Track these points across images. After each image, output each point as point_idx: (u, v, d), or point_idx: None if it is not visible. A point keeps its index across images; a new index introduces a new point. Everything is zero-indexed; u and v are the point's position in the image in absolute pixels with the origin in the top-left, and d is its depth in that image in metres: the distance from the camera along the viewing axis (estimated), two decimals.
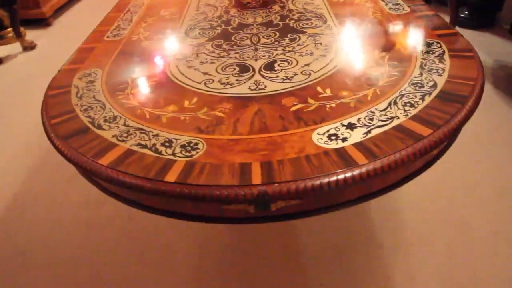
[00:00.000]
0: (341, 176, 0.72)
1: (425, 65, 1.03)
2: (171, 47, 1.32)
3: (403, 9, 1.37)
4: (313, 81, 1.02)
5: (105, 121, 0.95)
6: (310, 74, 1.05)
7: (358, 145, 0.78)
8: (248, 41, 1.26)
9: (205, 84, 1.06)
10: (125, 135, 0.89)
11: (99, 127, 0.93)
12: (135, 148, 0.85)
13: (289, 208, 0.78)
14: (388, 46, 1.15)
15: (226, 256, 1.49)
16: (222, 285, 1.39)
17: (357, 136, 0.81)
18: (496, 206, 1.56)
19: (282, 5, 1.52)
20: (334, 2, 1.51)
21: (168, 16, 1.55)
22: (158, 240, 1.57)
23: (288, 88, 1.00)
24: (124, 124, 0.93)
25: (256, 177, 0.74)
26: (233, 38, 1.30)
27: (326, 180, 0.72)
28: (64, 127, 0.94)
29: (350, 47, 1.18)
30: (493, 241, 1.43)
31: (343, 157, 0.76)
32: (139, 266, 1.47)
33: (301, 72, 1.06)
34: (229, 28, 1.38)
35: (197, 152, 0.81)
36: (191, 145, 0.84)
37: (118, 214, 1.69)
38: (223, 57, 1.18)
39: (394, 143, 0.78)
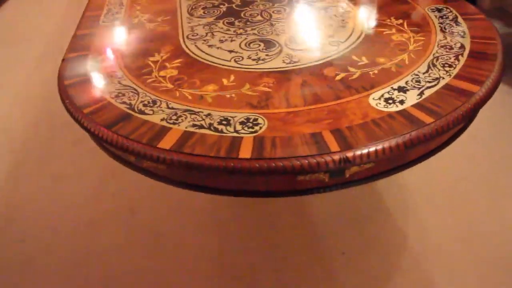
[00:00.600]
0: (413, 136, 0.75)
1: (445, 28, 1.08)
2: (180, 27, 1.26)
3: None
4: (345, 51, 1.03)
5: (145, 105, 0.90)
6: (338, 45, 1.06)
7: (418, 106, 0.81)
8: (259, 17, 1.24)
9: (235, 61, 1.04)
10: (174, 117, 0.85)
11: (141, 112, 0.88)
12: (192, 129, 0.81)
13: (361, 173, 0.80)
14: (402, 14, 1.19)
15: (244, 232, 1.50)
16: (244, 259, 1.39)
17: (412, 98, 0.84)
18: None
19: None
20: None
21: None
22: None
23: (323, 59, 1.01)
24: (168, 107, 0.88)
25: (333, 145, 0.74)
26: (242, 15, 1.28)
27: (401, 140, 0.74)
28: (101, 116, 0.88)
29: (366, 17, 1.20)
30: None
31: (409, 118, 0.78)
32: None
33: (329, 43, 1.07)
34: (233, 5, 1.35)
35: (260, 127, 0.80)
36: (251, 121, 0.82)
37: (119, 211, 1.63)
38: (241, 34, 1.16)
39: (450, 101, 0.82)
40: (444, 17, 1.13)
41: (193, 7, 1.37)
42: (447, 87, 0.86)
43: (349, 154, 0.73)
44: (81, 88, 0.99)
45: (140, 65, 1.06)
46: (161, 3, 1.43)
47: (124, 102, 0.91)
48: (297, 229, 1.51)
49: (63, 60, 1.13)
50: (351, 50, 1.04)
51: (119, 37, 1.23)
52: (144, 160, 0.82)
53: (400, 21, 1.14)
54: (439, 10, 1.17)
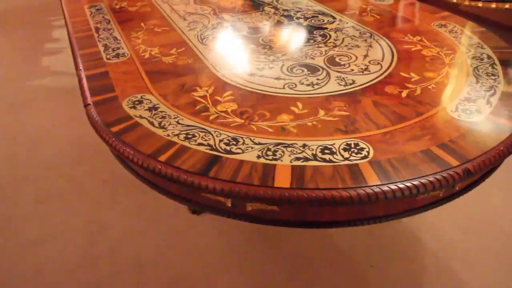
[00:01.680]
0: None
1: (461, 42, 1.18)
2: (203, 58, 1.18)
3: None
4: (390, 69, 1.07)
5: (228, 144, 0.82)
6: (379, 64, 1.09)
7: (495, 113, 0.87)
8: (280, 43, 1.23)
9: (290, 88, 1.00)
10: (269, 153, 0.79)
11: (229, 151, 0.80)
12: (298, 162, 0.76)
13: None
14: (415, 31, 1.27)
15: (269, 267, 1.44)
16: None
17: (484, 106, 0.90)
18: None
19: (272, 6, 1.51)
20: None
21: (156, 28, 1.38)
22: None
23: (375, 78, 1.03)
24: (255, 143, 0.82)
25: (449, 159, 0.76)
26: (260, 40, 1.25)
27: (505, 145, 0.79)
28: (188, 163, 0.78)
29: (385, 36, 1.26)
30: None
31: (494, 124, 0.84)
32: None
33: (369, 62, 1.10)
34: (244, 33, 1.31)
35: (368, 152, 0.78)
36: (352, 146, 0.80)
37: None
38: (274, 60, 1.13)
39: None
40: (453, 31, 1.24)
41: (203, 37, 1.30)
42: (506, 93, 0.94)
43: (470, 166, 0.75)
44: (135, 134, 0.87)
45: (188, 102, 0.97)
46: (162, 35, 1.33)
47: (201, 144, 0.82)
48: (324, 247, 1.50)
49: (88, 105, 0.98)
50: (394, 68, 1.08)
51: (141, 73, 1.11)
52: (262, 203, 0.74)
53: (418, 37, 1.22)
54: (444, 26, 1.28)
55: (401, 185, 0.71)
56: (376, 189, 0.70)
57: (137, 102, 0.97)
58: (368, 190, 0.70)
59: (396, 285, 1.37)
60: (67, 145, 2.11)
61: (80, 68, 1.15)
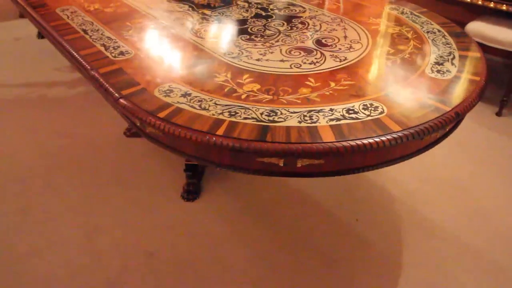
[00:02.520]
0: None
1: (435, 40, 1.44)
2: (209, 50, 1.28)
3: None
4: (369, 46, 1.29)
5: (268, 115, 0.96)
6: (359, 42, 1.31)
7: (462, 69, 1.13)
8: (269, 31, 1.39)
9: (297, 67, 1.17)
10: (307, 118, 0.95)
11: (273, 121, 0.94)
12: (333, 122, 0.94)
13: None
14: (373, 14, 1.51)
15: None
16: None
17: (452, 66, 1.15)
18: None
19: (245, 0, 1.65)
20: None
21: (144, 27, 1.44)
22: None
23: (362, 54, 1.24)
24: (291, 112, 0.97)
25: (443, 106, 0.99)
26: (249, 30, 1.39)
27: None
28: (245, 135, 0.91)
29: (352, 19, 1.47)
30: None
31: (463, 78, 1.09)
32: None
33: (351, 42, 1.31)
34: (232, 24, 1.44)
35: (383, 109, 0.98)
36: (369, 106, 0.99)
37: None
38: (271, 46, 1.29)
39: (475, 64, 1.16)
40: (404, 13, 1.51)
41: (194, 31, 1.40)
42: (462, 56, 1.21)
43: (458, 109, 0.98)
44: (184, 117, 0.97)
45: (215, 86, 1.08)
46: (153, 30, 1.40)
47: (246, 118, 0.96)
48: (315, 204, 1.70)
49: (120, 98, 1.05)
50: (372, 45, 1.30)
51: (158, 64, 1.19)
52: (314, 158, 0.90)
53: (379, 19, 1.46)
54: (396, 9, 1.54)
55: (417, 129, 0.92)
56: (401, 134, 0.91)
57: (168, 91, 1.07)
58: (395, 135, 0.90)
59: (380, 232, 1.62)
60: (34, 157, 2.04)
61: (89, 67, 1.20)
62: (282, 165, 0.94)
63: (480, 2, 2.11)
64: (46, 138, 2.16)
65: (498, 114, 2.26)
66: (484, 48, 2.12)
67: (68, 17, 1.52)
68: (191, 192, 1.76)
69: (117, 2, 1.65)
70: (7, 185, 1.86)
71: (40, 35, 3.23)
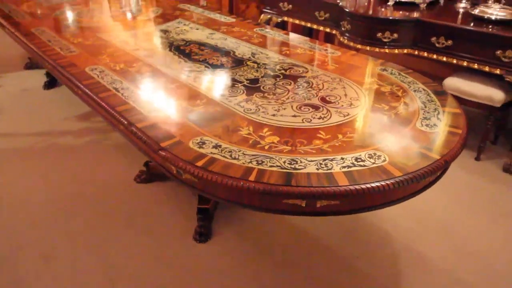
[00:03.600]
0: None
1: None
2: (229, 106, 1.47)
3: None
4: (367, 103, 1.50)
5: (290, 164, 1.14)
6: (358, 100, 1.52)
7: (447, 123, 1.34)
8: (279, 90, 1.59)
9: (308, 122, 1.37)
10: (323, 165, 1.13)
11: (295, 168, 1.12)
12: (345, 169, 1.12)
13: None
14: (366, 74, 1.74)
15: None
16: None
17: (437, 120, 1.37)
18: None
19: (252, 61, 1.87)
20: (286, 53, 1.98)
21: (170, 86, 1.63)
22: None
23: (361, 110, 1.45)
24: (309, 160, 1.15)
25: (433, 155, 1.18)
26: (262, 88, 1.60)
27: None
28: (273, 180, 1.07)
29: (348, 79, 1.70)
30: None
31: (449, 131, 1.30)
32: None
33: (351, 99, 1.52)
34: (245, 83, 1.65)
35: (385, 157, 1.17)
36: (373, 155, 1.18)
37: None
38: (283, 103, 1.49)
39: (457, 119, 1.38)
40: (393, 73, 1.75)
41: (212, 88, 1.60)
42: (446, 112, 1.43)
43: (447, 157, 1.18)
44: (219, 165, 1.13)
45: (241, 139, 1.26)
46: (178, 90, 1.60)
47: (272, 166, 1.13)
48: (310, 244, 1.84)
49: (161, 149, 1.21)
50: (369, 102, 1.51)
51: (188, 119, 1.36)
52: (331, 199, 1.06)
53: (372, 79, 1.70)
54: (385, 69, 1.78)
55: (415, 174, 1.11)
56: (402, 178, 1.09)
57: (201, 143, 1.24)
58: (398, 179, 1.09)
59: (379, 268, 1.77)
60: (51, 203, 2.14)
61: (126, 122, 1.37)
62: (304, 205, 1.11)
63: (455, 61, 2.40)
64: (60, 184, 2.27)
65: (477, 159, 2.50)
66: (461, 100, 2.39)
67: (98, 76, 1.71)
68: (203, 234, 1.89)
69: (139, 62, 1.86)
70: (26, 232, 1.95)
71: (47, 86, 3.40)
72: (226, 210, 2.06)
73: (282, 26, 3.50)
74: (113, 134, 2.77)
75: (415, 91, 1.60)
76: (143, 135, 1.29)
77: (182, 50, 2.01)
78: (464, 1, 2.71)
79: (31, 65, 3.77)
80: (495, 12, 2.38)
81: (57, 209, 2.09)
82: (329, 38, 3.87)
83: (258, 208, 1.16)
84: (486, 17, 2.38)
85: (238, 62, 1.87)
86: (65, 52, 1.94)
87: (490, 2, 2.50)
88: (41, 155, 2.53)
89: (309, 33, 3.79)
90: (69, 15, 2.61)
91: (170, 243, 1.89)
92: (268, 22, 3.41)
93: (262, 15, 3.47)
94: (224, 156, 1.18)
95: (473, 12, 2.46)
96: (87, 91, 1.58)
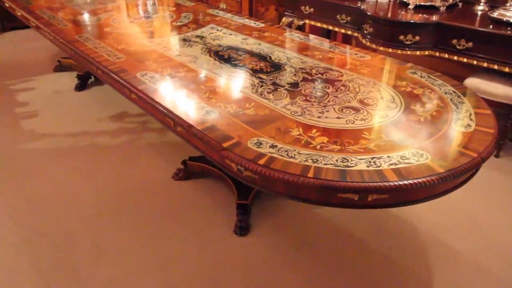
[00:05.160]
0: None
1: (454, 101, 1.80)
2: (276, 108, 1.61)
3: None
4: (403, 105, 1.63)
5: (343, 161, 1.27)
6: (394, 102, 1.65)
7: (480, 123, 1.47)
8: (319, 93, 1.72)
9: (351, 123, 1.50)
10: (372, 163, 1.26)
11: (348, 166, 1.25)
12: (393, 166, 1.25)
13: None
14: (397, 77, 1.87)
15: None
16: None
17: (470, 121, 1.49)
18: None
19: (289, 65, 2.00)
20: (319, 58, 2.10)
21: (216, 89, 1.76)
22: None
23: (399, 111, 1.58)
24: (359, 159, 1.28)
25: (471, 153, 1.31)
26: (303, 92, 1.73)
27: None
28: (329, 176, 1.21)
29: (382, 82, 1.82)
30: None
31: (482, 131, 1.43)
32: None
33: (387, 102, 1.65)
34: (286, 87, 1.78)
35: (428, 155, 1.30)
36: (416, 153, 1.31)
37: None
38: (325, 106, 1.62)
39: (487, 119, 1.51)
40: (423, 76, 1.87)
41: (259, 92, 1.73)
42: (477, 113, 1.55)
43: (483, 155, 1.31)
44: (279, 163, 1.26)
45: (293, 139, 1.40)
46: (226, 93, 1.73)
47: (326, 164, 1.26)
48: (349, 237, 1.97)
49: (223, 149, 1.34)
50: (405, 104, 1.64)
51: (240, 124, 1.50)
52: (382, 193, 1.19)
53: (404, 82, 1.82)
54: (415, 73, 1.91)
55: (456, 170, 1.23)
56: (445, 174, 1.22)
57: (258, 143, 1.38)
58: (441, 175, 1.21)
59: (411, 259, 1.90)
60: (95, 199, 2.29)
61: (186, 125, 1.50)
62: (356, 199, 1.24)
63: (475, 62, 2.52)
64: (104, 183, 2.42)
65: (496, 156, 2.61)
66: None
67: (150, 81, 1.84)
68: (243, 228, 2.03)
69: (184, 68, 1.99)
70: (79, 224, 2.10)
71: (78, 88, 3.55)
72: (260, 205, 2.20)
73: (301, 27, 3.62)
74: (145, 134, 2.91)
75: (446, 93, 1.72)
76: (204, 137, 1.43)
77: (221, 55, 2.14)
78: (482, 4, 2.82)
79: (60, 68, 3.92)
80: None
81: (105, 205, 2.24)
82: (347, 40, 4.00)
83: (315, 202, 1.29)
84: (505, 19, 2.50)
85: (276, 67, 2.00)
86: (113, 59, 2.08)
87: (508, 5, 2.61)
88: (82, 155, 2.68)
89: (327, 35, 3.91)
90: (106, 22, 2.75)
91: (213, 236, 2.03)
92: (290, 24, 3.54)
93: (284, 18, 3.59)
94: (281, 155, 1.31)
95: (492, 15, 2.57)
96: (143, 96, 1.72)
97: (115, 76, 1.90)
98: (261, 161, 1.28)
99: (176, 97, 1.72)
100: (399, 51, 2.79)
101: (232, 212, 2.12)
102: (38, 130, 2.97)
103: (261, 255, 1.93)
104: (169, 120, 1.60)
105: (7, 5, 3.37)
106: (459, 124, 1.49)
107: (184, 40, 2.38)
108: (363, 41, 3.00)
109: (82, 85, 3.56)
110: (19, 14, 3.09)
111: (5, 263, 1.88)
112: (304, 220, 2.13)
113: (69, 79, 3.71)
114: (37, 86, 3.67)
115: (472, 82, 2.60)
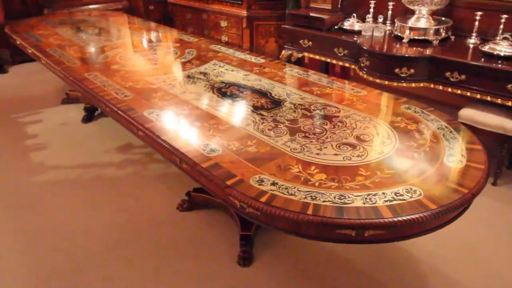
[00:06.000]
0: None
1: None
2: (277, 145, 1.69)
3: None
4: (397, 141, 1.71)
5: (340, 198, 1.34)
6: (390, 138, 1.73)
7: (471, 158, 1.54)
8: (317, 129, 1.81)
9: (348, 160, 1.57)
10: (368, 200, 1.33)
11: (344, 203, 1.32)
12: (387, 203, 1.31)
13: None
14: (392, 113, 1.95)
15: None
16: None
17: (461, 156, 1.56)
18: None
19: (289, 101, 2.10)
20: (317, 93, 2.20)
21: (220, 126, 1.85)
22: None
23: (393, 147, 1.65)
24: (355, 195, 1.35)
25: (462, 189, 1.38)
26: (302, 128, 1.81)
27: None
28: (328, 214, 1.27)
29: (378, 118, 1.91)
30: None
31: (472, 167, 1.50)
32: None
33: (383, 138, 1.73)
34: (286, 123, 1.87)
35: (420, 192, 1.37)
36: (410, 190, 1.38)
37: None
38: (323, 142, 1.70)
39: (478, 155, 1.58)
40: (416, 111, 1.96)
41: (260, 129, 1.82)
42: (469, 148, 1.63)
43: (474, 191, 1.37)
44: (280, 201, 1.34)
45: (293, 176, 1.47)
46: (229, 131, 1.82)
47: (325, 201, 1.33)
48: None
49: (228, 187, 1.42)
50: (399, 140, 1.72)
51: (242, 161, 1.58)
52: (377, 229, 1.26)
53: (399, 117, 1.91)
54: (409, 108, 1.99)
55: (448, 206, 1.30)
56: (437, 210, 1.29)
57: (260, 181, 1.45)
58: (433, 211, 1.28)
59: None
60: (102, 231, 2.35)
61: (191, 163, 1.58)
62: (354, 235, 1.31)
63: (468, 94, 2.62)
64: (109, 214, 2.49)
65: (494, 184, 2.67)
66: (476, 130, 2.58)
67: (156, 119, 1.94)
68: (246, 259, 2.08)
69: (188, 105, 2.09)
70: (87, 258, 2.16)
71: (85, 120, 3.66)
72: (263, 236, 2.25)
73: (300, 59, 3.75)
74: (150, 165, 3.00)
75: (438, 128, 1.80)
76: (209, 175, 1.50)
77: (224, 92, 2.24)
78: (473, 38, 2.94)
79: (68, 100, 4.04)
80: (504, 49, 2.60)
81: (111, 237, 2.30)
82: (344, 71, 4.13)
83: (314, 237, 1.35)
84: (495, 53, 2.61)
85: (276, 103, 2.09)
86: (121, 96, 2.19)
87: (498, 39, 2.72)
88: (89, 187, 2.76)
89: (326, 65, 4.05)
90: (114, 59, 2.88)
91: (217, 267, 2.08)
92: (289, 57, 3.67)
93: (284, 51, 3.73)
94: (282, 193, 1.39)
95: (483, 49, 2.68)
96: (150, 134, 1.81)
97: (124, 114, 1.99)
98: (263, 199, 1.36)
99: (181, 135, 1.81)
100: (395, 83, 2.90)
101: (235, 242, 2.18)
102: (47, 162, 3.06)
103: (263, 286, 1.97)
104: (175, 158, 1.69)
105: (18, 42, 3.52)
106: (451, 160, 1.56)
107: (188, 77, 2.49)
108: (360, 73, 3.11)
109: (89, 117, 3.67)
110: (30, 51, 3.23)
111: None
112: (306, 251, 2.18)
113: (76, 111, 3.83)
114: (45, 118, 3.79)
115: (467, 112, 2.69)
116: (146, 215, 2.49)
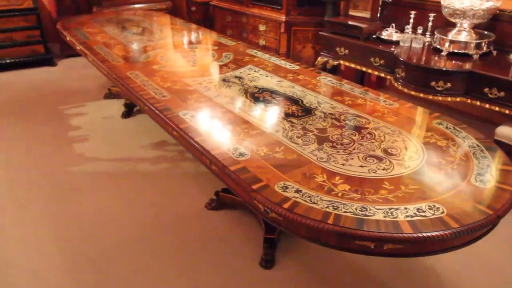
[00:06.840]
0: None
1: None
2: (304, 154, 1.74)
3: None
4: (425, 156, 1.71)
5: (361, 210, 1.37)
6: (417, 153, 1.73)
7: (499, 179, 1.53)
8: (345, 140, 1.84)
9: (374, 172, 1.60)
10: (389, 214, 1.35)
11: (365, 215, 1.34)
12: (408, 218, 1.33)
13: None
14: (423, 128, 1.95)
15: None
16: None
17: (490, 176, 1.55)
18: None
19: (319, 110, 2.14)
20: (348, 104, 2.22)
21: (250, 131, 1.92)
22: None
23: (421, 163, 1.66)
24: (377, 208, 1.38)
25: (486, 210, 1.37)
26: (330, 138, 1.85)
27: None
28: (348, 224, 1.31)
29: (407, 131, 1.92)
30: None
31: (500, 188, 1.48)
32: None
33: (411, 152, 1.74)
34: (315, 132, 1.91)
35: (443, 209, 1.38)
36: (432, 207, 1.39)
37: None
38: (350, 153, 1.73)
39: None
40: (448, 127, 1.94)
41: (289, 136, 1.87)
42: (498, 169, 1.61)
43: (499, 212, 1.36)
44: (302, 208, 1.38)
45: (317, 185, 1.51)
46: (258, 137, 1.88)
47: (346, 212, 1.36)
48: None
49: (253, 191, 1.48)
50: (427, 156, 1.72)
51: (269, 167, 1.64)
52: (397, 244, 1.28)
53: (429, 133, 1.90)
54: (441, 123, 1.98)
55: (470, 226, 1.30)
56: (459, 230, 1.29)
57: (284, 187, 1.50)
58: (455, 230, 1.29)
59: None
60: (133, 223, 2.48)
61: (221, 165, 1.65)
62: (373, 247, 1.33)
63: (507, 112, 2.55)
64: (142, 207, 2.61)
65: None
66: None
67: (190, 120, 2.03)
68: (269, 261, 2.14)
69: (222, 109, 2.17)
70: (116, 249, 2.28)
71: (124, 116, 3.84)
72: (286, 240, 2.30)
73: (336, 67, 3.76)
74: (182, 163, 3.11)
75: (469, 146, 1.78)
76: (236, 178, 1.57)
77: (257, 97, 2.31)
78: None
79: (109, 95, 4.24)
80: None
81: (141, 231, 2.42)
82: (380, 80, 4.10)
83: (333, 246, 1.39)
84: None
85: (307, 111, 2.13)
86: (159, 97, 2.30)
87: None
88: (124, 180, 2.90)
89: (361, 74, 4.03)
90: (155, 59, 3.01)
91: (239, 266, 2.15)
92: (324, 64, 3.69)
93: (319, 57, 3.75)
94: (305, 200, 1.43)
95: None
96: (183, 135, 1.90)
97: (160, 114, 2.10)
98: (286, 205, 1.41)
99: (213, 137, 1.89)
100: (430, 97, 2.86)
101: (259, 244, 2.24)
102: (87, 154, 3.24)
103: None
104: (205, 159, 1.77)
105: (68, 38, 3.73)
106: (478, 180, 1.55)
107: (224, 80, 2.58)
108: (395, 85, 3.09)
109: (128, 113, 3.84)
110: (78, 48, 3.43)
111: (51, 283, 2.08)
112: (327, 259, 2.20)
113: (117, 106, 4.01)
114: (88, 111, 4.00)
115: (504, 130, 2.62)
116: (175, 211, 2.59)
